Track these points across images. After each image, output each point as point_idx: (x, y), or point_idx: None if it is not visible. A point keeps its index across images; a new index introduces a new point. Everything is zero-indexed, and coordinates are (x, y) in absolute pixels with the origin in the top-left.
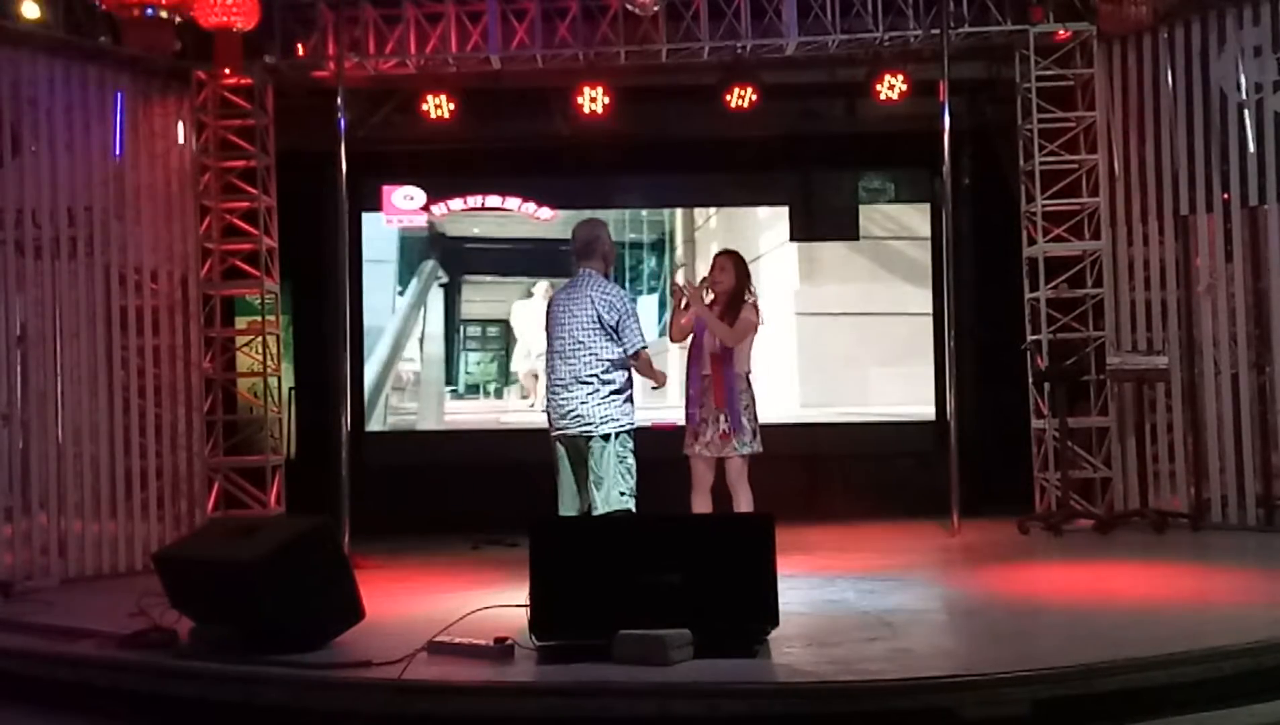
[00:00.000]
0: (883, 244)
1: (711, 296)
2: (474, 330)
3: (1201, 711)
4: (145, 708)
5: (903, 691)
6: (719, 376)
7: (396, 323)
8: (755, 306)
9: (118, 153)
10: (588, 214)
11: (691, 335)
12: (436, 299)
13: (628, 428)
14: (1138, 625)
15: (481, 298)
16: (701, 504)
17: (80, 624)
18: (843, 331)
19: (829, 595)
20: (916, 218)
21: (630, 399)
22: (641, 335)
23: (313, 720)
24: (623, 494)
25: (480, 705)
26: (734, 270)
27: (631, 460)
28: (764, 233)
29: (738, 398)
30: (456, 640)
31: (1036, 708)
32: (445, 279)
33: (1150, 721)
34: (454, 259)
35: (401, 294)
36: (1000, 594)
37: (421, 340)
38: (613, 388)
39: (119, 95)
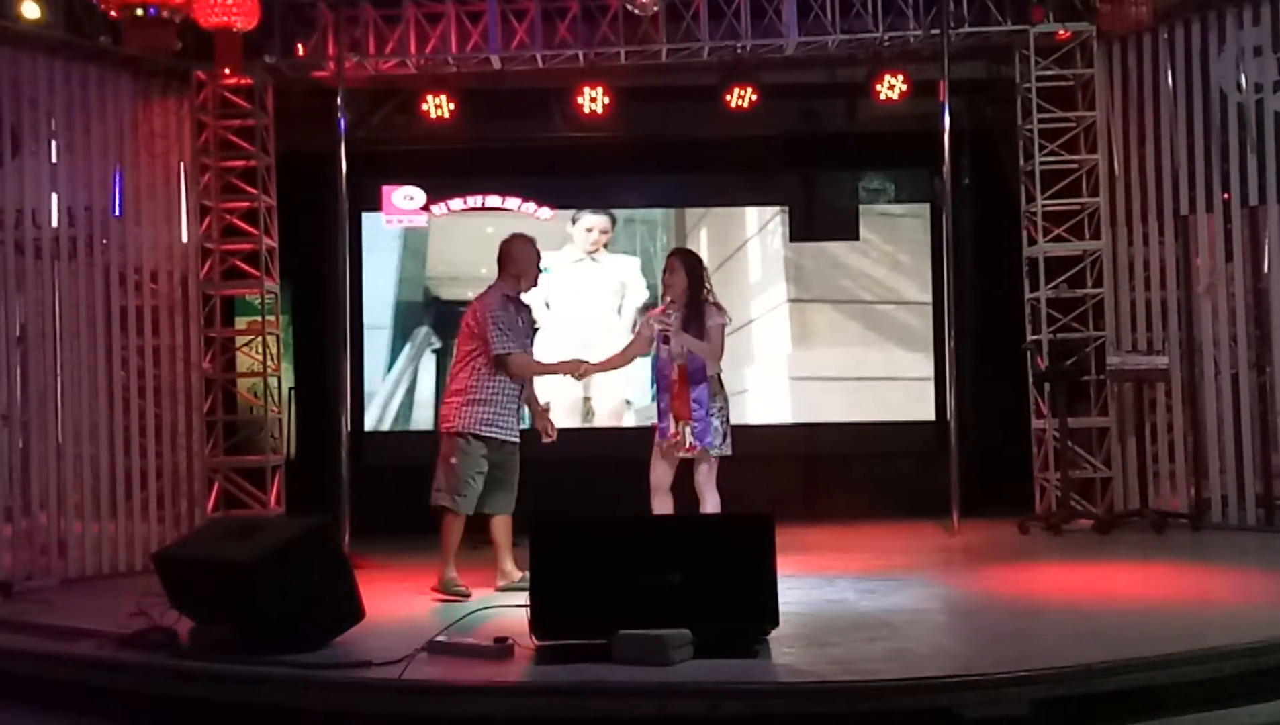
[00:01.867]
0: (874, 308)
1: (669, 299)
2: None
3: (1201, 711)
4: (145, 708)
5: (903, 691)
6: (684, 389)
7: (387, 388)
8: (717, 306)
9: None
10: (587, 214)
11: (654, 345)
12: (429, 364)
13: (458, 430)
14: (1138, 625)
15: None
16: (663, 505)
17: (80, 624)
18: (837, 396)
19: (829, 595)
20: (906, 283)
21: (475, 403)
22: (500, 342)
23: (313, 720)
24: (436, 489)
25: (480, 705)
26: (684, 270)
27: (456, 461)
28: (756, 297)
29: (705, 408)
30: (456, 640)
31: (1036, 708)
32: (439, 345)
33: (1150, 721)
34: (447, 323)
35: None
36: (1000, 594)
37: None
38: (455, 389)
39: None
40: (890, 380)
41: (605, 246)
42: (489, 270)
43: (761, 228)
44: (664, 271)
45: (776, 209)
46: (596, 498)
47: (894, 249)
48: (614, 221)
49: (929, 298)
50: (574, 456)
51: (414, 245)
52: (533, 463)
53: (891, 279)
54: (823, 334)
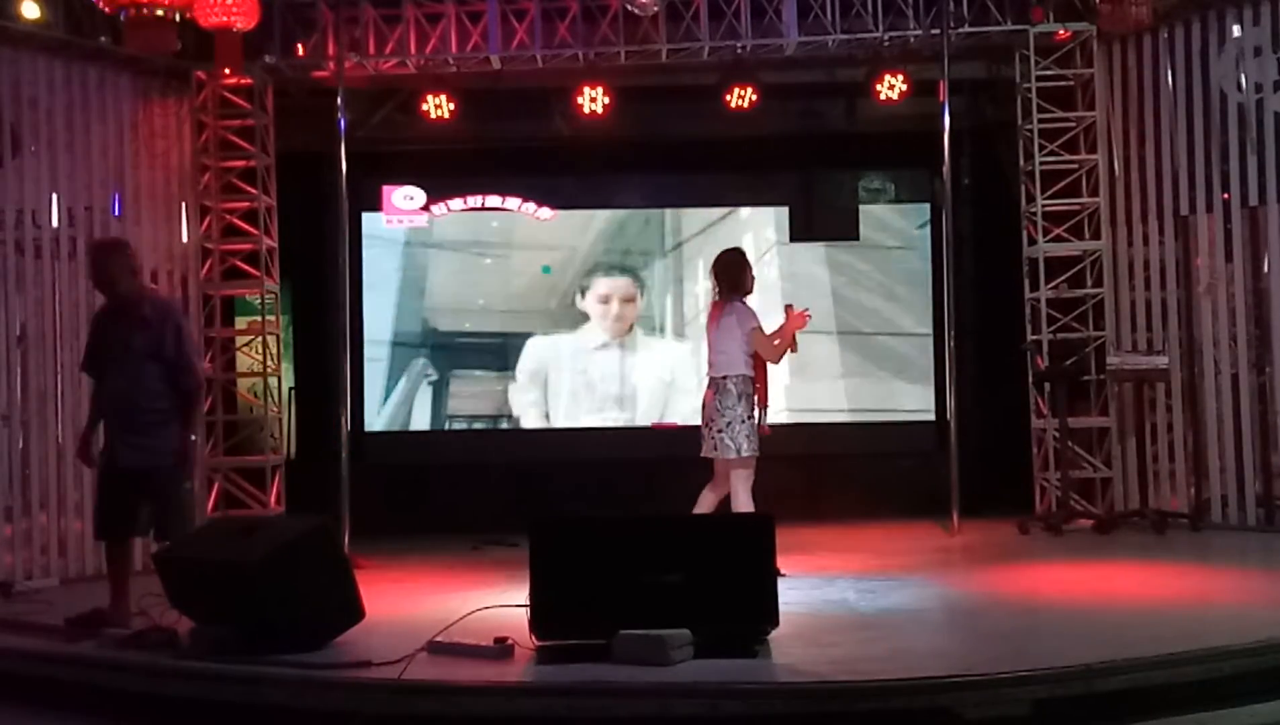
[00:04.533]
0: (872, 338)
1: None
2: (459, 424)
3: (1201, 711)
4: (145, 708)
5: (903, 691)
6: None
7: (383, 422)
8: None
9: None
10: (587, 214)
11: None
12: (425, 396)
13: None
14: (1138, 625)
15: (470, 392)
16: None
17: None
18: (836, 428)
19: (829, 595)
20: (905, 315)
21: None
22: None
23: (313, 720)
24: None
25: (480, 705)
26: None
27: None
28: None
29: None
30: (456, 640)
31: (1036, 708)
32: (435, 376)
33: (1150, 721)
34: (443, 354)
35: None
36: (1000, 594)
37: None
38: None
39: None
40: (889, 411)
41: (635, 324)
42: (485, 301)
43: (758, 260)
44: (748, 270)
45: (773, 241)
46: (595, 498)
47: (890, 281)
48: (641, 286)
49: (928, 329)
50: (573, 457)
51: (412, 277)
52: (533, 463)
53: (889, 311)
54: (821, 365)
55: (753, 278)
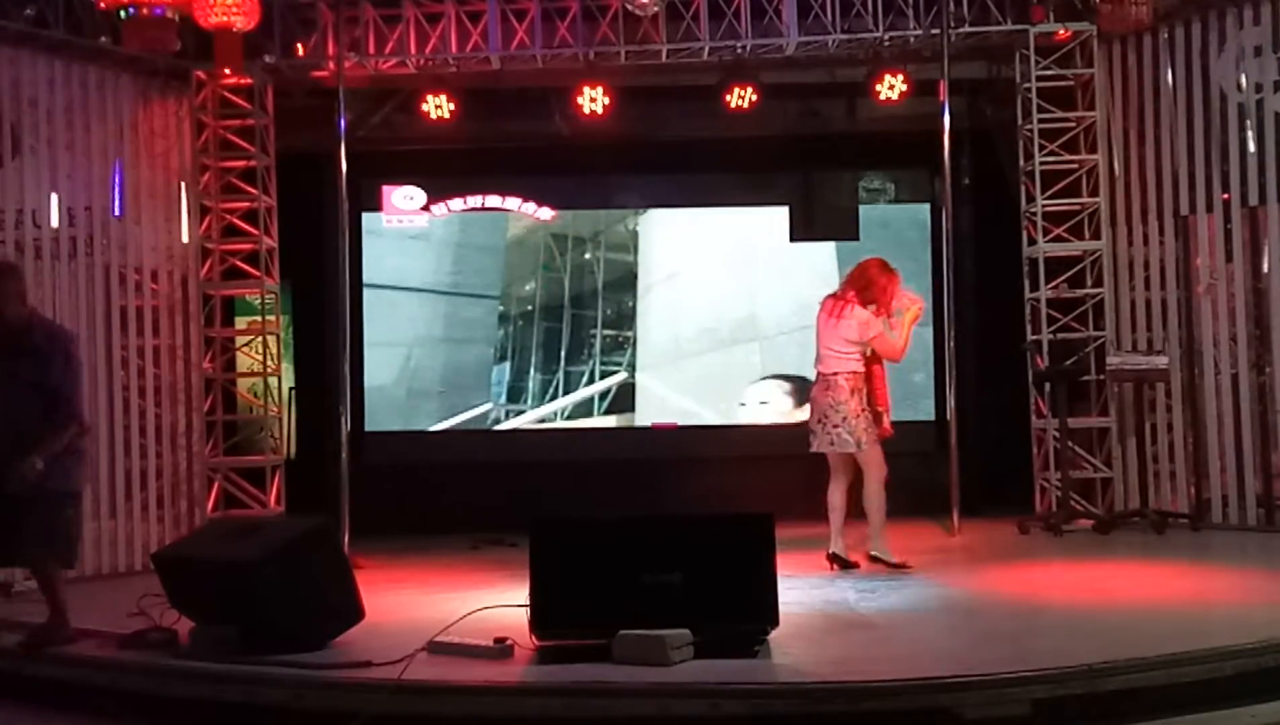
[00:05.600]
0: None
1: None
2: (458, 420)
3: (1201, 711)
4: (145, 708)
5: (903, 691)
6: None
7: (383, 420)
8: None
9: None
10: (588, 214)
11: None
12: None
13: None
14: (1138, 625)
15: (471, 387)
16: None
17: (80, 624)
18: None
19: (829, 595)
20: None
21: None
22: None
23: (313, 720)
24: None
25: (480, 705)
26: None
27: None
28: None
29: None
30: (456, 640)
31: (1036, 708)
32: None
33: (1150, 721)
34: (449, 346)
35: None
36: (1000, 594)
37: None
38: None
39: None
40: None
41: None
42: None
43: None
44: (881, 289)
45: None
46: (594, 498)
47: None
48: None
49: (928, 328)
50: (572, 457)
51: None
52: (533, 463)
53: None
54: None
55: (878, 297)
